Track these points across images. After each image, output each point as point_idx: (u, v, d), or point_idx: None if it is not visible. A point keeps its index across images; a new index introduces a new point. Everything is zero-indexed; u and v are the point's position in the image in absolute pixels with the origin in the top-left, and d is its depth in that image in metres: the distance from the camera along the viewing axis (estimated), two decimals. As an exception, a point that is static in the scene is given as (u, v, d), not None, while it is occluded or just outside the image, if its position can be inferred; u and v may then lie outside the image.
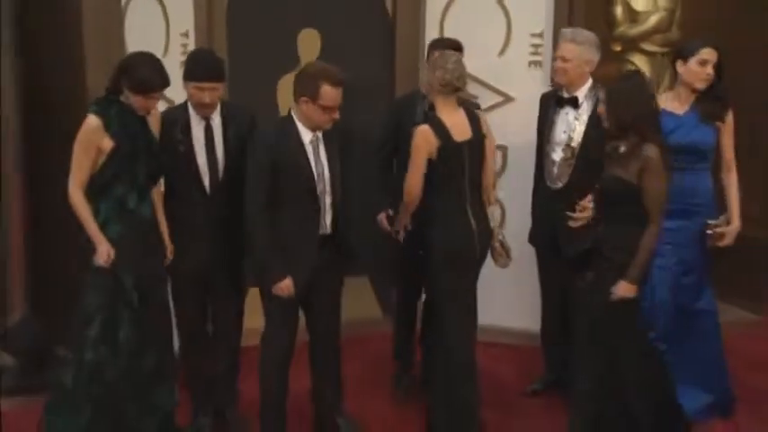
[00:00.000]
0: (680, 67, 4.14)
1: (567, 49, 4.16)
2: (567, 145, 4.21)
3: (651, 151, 3.54)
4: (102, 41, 4.29)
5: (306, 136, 3.71)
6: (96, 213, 3.67)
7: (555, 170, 4.25)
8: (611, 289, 3.60)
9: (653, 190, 3.56)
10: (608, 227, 3.69)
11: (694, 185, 4.13)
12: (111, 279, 3.69)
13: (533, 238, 4.49)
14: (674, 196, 3.95)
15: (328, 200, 3.78)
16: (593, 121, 4.11)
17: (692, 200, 4.12)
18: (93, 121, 3.63)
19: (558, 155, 4.24)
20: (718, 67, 4.08)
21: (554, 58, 4.27)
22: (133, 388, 3.78)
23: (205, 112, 3.87)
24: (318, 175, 3.73)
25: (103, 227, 3.68)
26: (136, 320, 3.73)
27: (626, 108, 3.56)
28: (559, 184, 4.23)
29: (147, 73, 3.61)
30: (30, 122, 4.65)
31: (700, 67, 4.06)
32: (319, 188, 3.74)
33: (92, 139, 3.62)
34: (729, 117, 4.15)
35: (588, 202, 3.87)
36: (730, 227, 4.14)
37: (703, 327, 4.25)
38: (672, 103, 4.17)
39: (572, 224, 3.90)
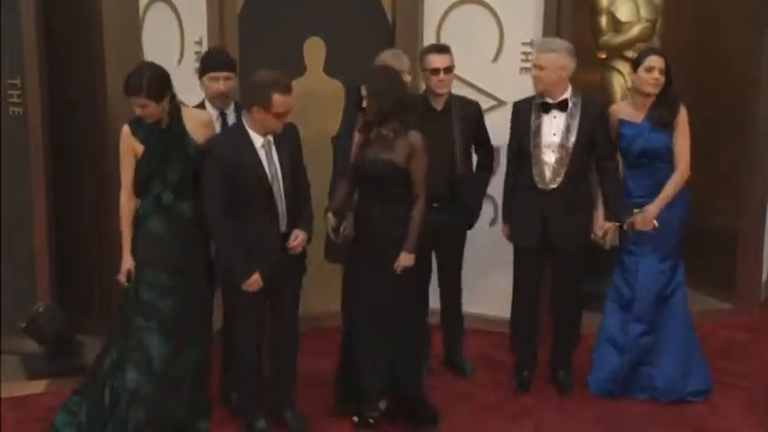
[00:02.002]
0: (632, 76, 4.35)
1: (541, 58, 4.25)
2: (562, 146, 4.28)
3: (414, 136, 3.94)
4: (121, 48, 4.40)
5: (257, 141, 3.81)
6: (138, 211, 3.88)
7: (548, 172, 4.29)
8: (396, 262, 4.00)
9: (420, 170, 3.97)
10: (379, 206, 4.01)
11: (664, 180, 4.32)
12: (132, 293, 3.85)
13: (519, 238, 4.47)
14: (649, 191, 4.34)
15: (284, 200, 3.86)
16: (587, 121, 4.29)
17: (659, 194, 4.32)
18: (124, 129, 3.86)
19: (550, 156, 4.29)
20: (667, 74, 4.26)
21: (532, 67, 4.31)
22: (172, 394, 3.90)
23: (221, 101, 4.06)
24: (272, 176, 3.82)
25: (144, 219, 3.85)
26: (166, 333, 3.84)
27: (385, 98, 3.91)
28: (554, 185, 4.30)
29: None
30: (53, 123, 4.74)
31: (647, 74, 4.24)
32: (275, 189, 3.82)
33: (126, 145, 3.84)
34: (680, 119, 4.31)
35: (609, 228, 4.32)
36: (643, 211, 4.32)
37: (672, 302, 4.46)
38: (629, 111, 4.39)
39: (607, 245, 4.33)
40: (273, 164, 3.84)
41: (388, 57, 4.34)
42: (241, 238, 3.81)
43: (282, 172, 3.85)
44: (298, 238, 3.91)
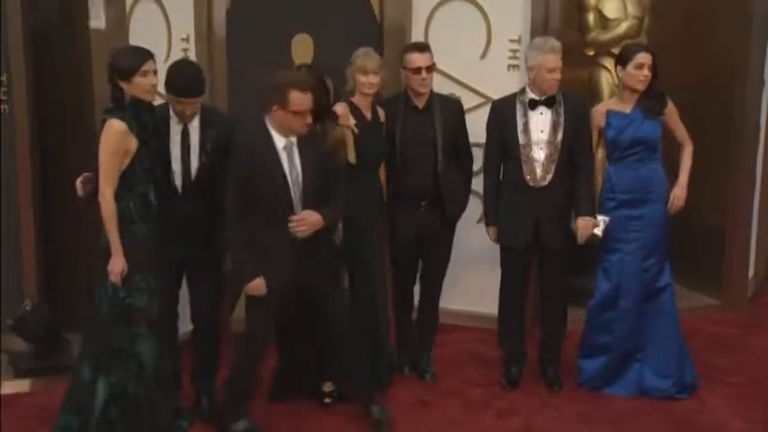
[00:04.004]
0: (620, 71, 4.35)
1: (558, 60, 4.23)
2: (551, 142, 4.28)
3: (340, 131, 4.08)
4: (107, 45, 4.29)
5: (279, 142, 3.78)
6: (127, 212, 3.68)
7: (539, 169, 4.29)
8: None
9: (342, 159, 4.08)
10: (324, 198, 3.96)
11: (650, 175, 4.36)
12: (115, 302, 3.71)
13: (510, 238, 4.43)
14: (634, 186, 4.38)
15: (301, 207, 3.80)
16: (572, 116, 4.30)
17: (649, 188, 4.36)
18: (119, 125, 3.63)
19: (540, 154, 4.29)
20: (654, 68, 4.28)
21: (546, 69, 4.20)
22: (155, 396, 3.83)
23: (184, 120, 3.95)
24: (293, 181, 3.78)
25: (133, 222, 3.69)
26: (155, 335, 3.77)
27: (323, 94, 4.00)
28: (545, 182, 4.30)
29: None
30: (40, 122, 4.70)
31: (637, 71, 4.27)
32: (294, 194, 3.79)
33: (121, 142, 3.63)
34: (669, 107, 4.38)
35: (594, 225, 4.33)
36: (677, 188, 4.41)
37: (661, 300, 4.46)
38: (617, 104, 4.42)
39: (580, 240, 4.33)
40: (295, 168, 3.80)
41: (359, 56, 4.31)
42: (254, 241, 3.78)
43: (304, 178, 3.81)
44: (303, 220, 3.82)
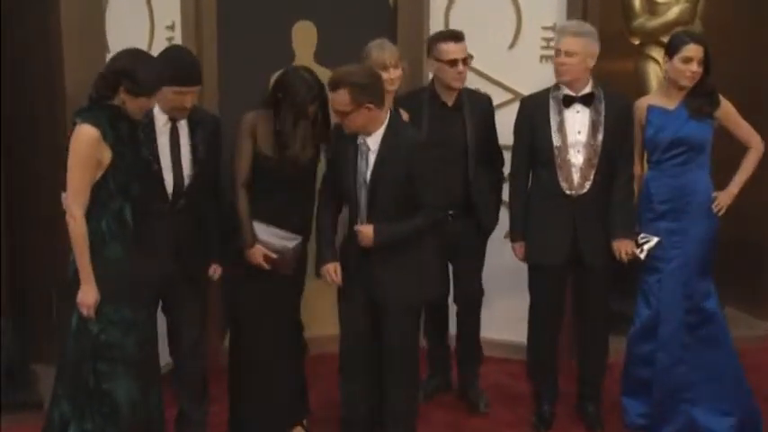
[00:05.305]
0: (666, 63, 4.12)
1: (570, 42, 3.99)
2: (590, 145, 4.03)
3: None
4: (82, 37, 4.11)
5: (360, 138, 3.74)
6: (98, 233, 3.40)
7: (576, 175, 4.04)
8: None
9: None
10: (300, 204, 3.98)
11: (694, 184, 4.10)
12: (98, 330, 3.44)
13: (543, 254, 4.14)
14: (673, 195, 4.10)
15: (366, 210, 3.73)
16: (613, 116, 4.04)
17: (690, 198, 4.09)
18: (91, 132, 3.33)
19: (577, 157, 4.04)
20: (705, 62, 4.02)
21: (556, 54, 4.06)
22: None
23: (182, 115, 3.75)
24: (360, 183, 3.73)
25: (104, 244, 3.41)
26: (133, 373, 3.51)
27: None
28: (583, 190, 4.04)
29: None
30: (5, 128, 4.48)
31: (683, 65, 4.01)
32: (360, 196, 3.74)
33: (92, 152, 3.33)
34: (725, 107, 4.10)
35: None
36: (723, 193, 4.13)
37: (712, 331, 4.16)
38: (661, 99, 4.17)
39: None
40: (365, 169, 3.71)
41: (373, 48, 4.12)
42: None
43: (370, 181, 3.70)
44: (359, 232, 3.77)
